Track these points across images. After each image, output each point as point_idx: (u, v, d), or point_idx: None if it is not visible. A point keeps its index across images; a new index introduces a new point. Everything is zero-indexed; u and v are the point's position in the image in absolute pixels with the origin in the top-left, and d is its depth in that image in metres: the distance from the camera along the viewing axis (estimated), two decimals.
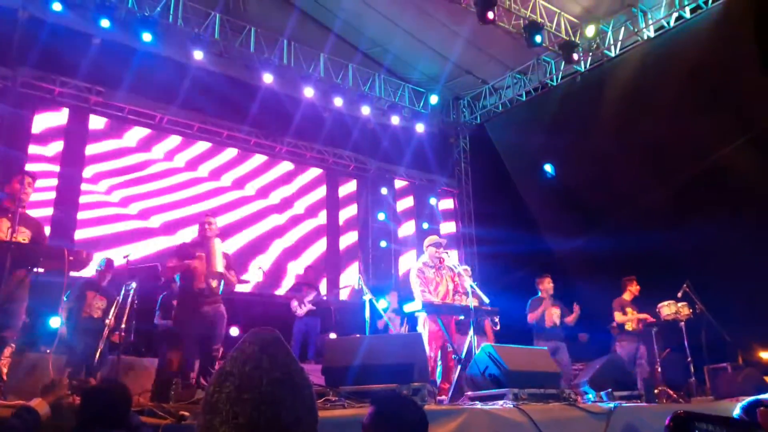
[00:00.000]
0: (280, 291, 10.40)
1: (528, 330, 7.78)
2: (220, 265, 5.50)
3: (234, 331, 8.80)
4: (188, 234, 9.62)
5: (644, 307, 7.80)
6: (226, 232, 9.91)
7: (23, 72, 8.65)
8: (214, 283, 5.48)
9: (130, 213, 9.42)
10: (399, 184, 12.93)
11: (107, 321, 5.99)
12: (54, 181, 8.82)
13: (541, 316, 7.61)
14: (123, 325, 5.75)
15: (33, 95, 8.89)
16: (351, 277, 11.43)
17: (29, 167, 8.46)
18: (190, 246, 5.67)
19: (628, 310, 7.76)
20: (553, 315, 7.65)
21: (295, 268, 10.83)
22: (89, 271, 6.62)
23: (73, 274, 4.56)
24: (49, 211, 8.57)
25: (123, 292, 6.06)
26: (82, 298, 6.61)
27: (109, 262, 7.03)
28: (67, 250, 4.30)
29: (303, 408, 1.15)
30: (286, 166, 11.47)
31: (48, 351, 6.01)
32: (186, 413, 3.32)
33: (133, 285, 6.25)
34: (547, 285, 7.74)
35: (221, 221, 10.01)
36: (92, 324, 6.39)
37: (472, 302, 5.67)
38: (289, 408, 1.12)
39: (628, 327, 7.70)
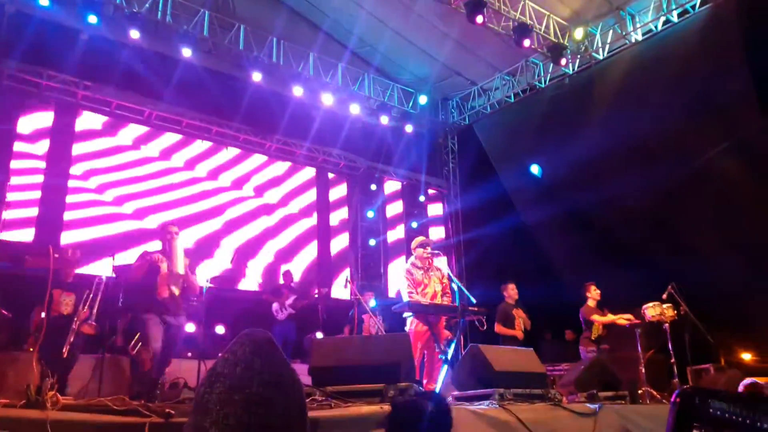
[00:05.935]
0: (248, 281, 10.43)
1: None
2: (181, 267, 5.37)
3: (219, 329, 8.78)
4: (158, 219, 9.61)
5: (617, 307, 7.72)
6: (197, 219, 10.08)
7: (9, 65, 8.54)
8: (176, 291, 5.30)
9: (105, 200, 9.40)
10: (388, 182, 12.95)
11: (77, 316, 5.94)
12: (42, 166, 8.84)
13: (508, 329, 7.54)
14: (94, 313, 5.71)
15: (19, 88, 8.80)
16: (341, 278, 11.46)
17: (15, 159, 8.45)
18: (151, 253, 5.47)
19: (594, 317, 7.60)
20: (519, 321, 7.56)
21: (275, 245, 10.93)
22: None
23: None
24: (35, 204, 8.61)
25: (94, 286, 6.03)
26: (50, 297, 6.22)
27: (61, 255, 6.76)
28: (51, 248, 4.23)
29: (294, 410, 1.15)
30: (259, 158, 11.34)
31: (31, 349, 5.97)
32: (172, 411, 3.31)
33: (104, 278, 6.21)
34: (511, 291, 7.68)
35: (192, 209, 10.09)
36: (63, 322, 6.15)
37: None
38: (279, 410, 1.12)
39: (593, 335, 7.53)
